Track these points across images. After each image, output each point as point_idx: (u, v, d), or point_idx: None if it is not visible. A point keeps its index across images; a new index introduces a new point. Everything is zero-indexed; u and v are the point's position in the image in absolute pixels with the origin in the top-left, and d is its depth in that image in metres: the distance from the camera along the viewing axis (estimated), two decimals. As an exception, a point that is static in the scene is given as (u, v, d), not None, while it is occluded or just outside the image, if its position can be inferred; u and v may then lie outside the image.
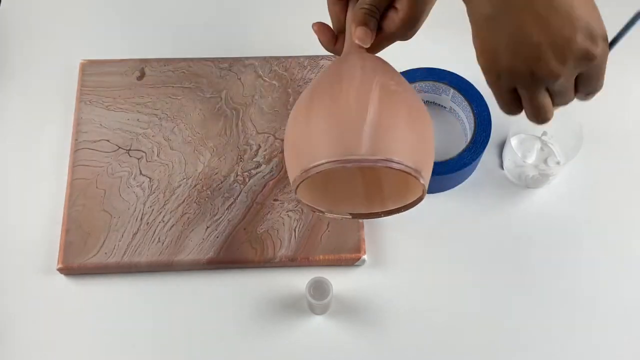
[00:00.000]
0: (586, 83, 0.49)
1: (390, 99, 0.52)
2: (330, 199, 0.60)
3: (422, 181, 0.52)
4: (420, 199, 0.55)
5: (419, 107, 0.54)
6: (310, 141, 0.51)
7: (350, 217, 0.60)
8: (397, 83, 0.53)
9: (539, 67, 0.46)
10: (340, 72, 0.54)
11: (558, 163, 0.74)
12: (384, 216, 0.59)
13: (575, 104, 0.70)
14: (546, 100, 0.49)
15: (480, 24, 0.48)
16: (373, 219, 0.67)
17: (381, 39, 0.57)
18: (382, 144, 0.50)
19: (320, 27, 0.58)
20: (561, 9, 0.44)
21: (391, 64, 0.57)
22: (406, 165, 0.50)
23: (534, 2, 0.45)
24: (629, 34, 0.49)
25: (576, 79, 0.49)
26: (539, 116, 0.51)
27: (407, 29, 0.56)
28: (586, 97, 0.52)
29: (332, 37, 0.59)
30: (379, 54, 0.57)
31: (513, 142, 0.76)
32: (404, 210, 0.57)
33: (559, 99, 0.50)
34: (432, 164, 0.54)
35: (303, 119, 0.53)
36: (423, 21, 0.57)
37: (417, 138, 0.52)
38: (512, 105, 0.51)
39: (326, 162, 0.50)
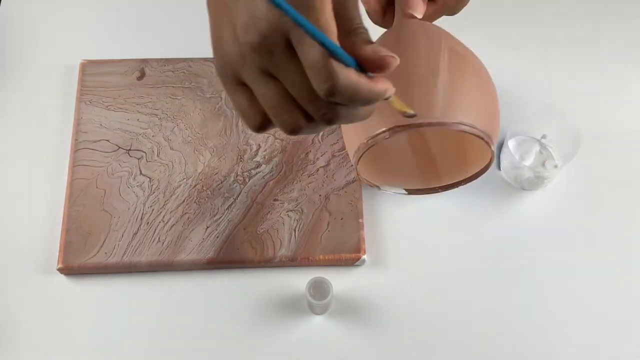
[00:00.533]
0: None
1: (459, 62, 0.51)
2: (383, 175, 0.59)
3: (492, 147, 0.51)
4: (488, 166, 0.54)
5: (485, 71, 0.53)
6: (379, 106, 0.50)
7: (406, 192, 0.59)
8: (463, 47, 0.52)
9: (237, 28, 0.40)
10: (400, 37, 0.52)
11: (556, 166, 0.74)
12: (441, 191, 0.58)
13: (574, 106, 0.70)
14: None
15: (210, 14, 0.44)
16: (429, 194, 0.63)
17: (431, 12, 0.56)
18: (455, 107, 0.49)
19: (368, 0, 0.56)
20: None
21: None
22: (478, 129, 0.49)
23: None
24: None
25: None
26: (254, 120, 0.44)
27: (457, 1, 0.55)
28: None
29: (381, 8, 0.57)
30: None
31: (511, 143, 0.76)
32: (468, 182, 0.55)
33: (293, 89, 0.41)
34: (498, 129, 0.53)
35: None
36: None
37: (487, 102, 0.51)
38: (239, 105, 0.45)
39: (397, 127, 0.48)
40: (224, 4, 0.41)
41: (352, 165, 0.73)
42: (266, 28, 0.38)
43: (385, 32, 0.56)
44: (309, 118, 0.41)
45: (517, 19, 0.84)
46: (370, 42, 0.41)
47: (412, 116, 0.48)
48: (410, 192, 0.58)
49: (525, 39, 0.83)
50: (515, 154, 0.74)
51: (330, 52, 0.37)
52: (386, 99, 0.43)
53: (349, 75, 0.38)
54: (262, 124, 0.42)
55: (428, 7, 0.55)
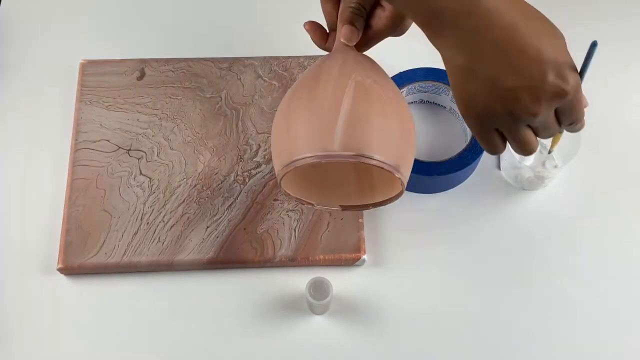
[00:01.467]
0: (565, 116, 0.51)
1: (366, 94, 0.52)
2: (321, 190, 0.61)
3: (397, 175, 0.53)
4: (399, 194, 0.56)
5: (397, 102, 0.54)
6: (289, 136, 0.53)
7: (340, 209, 0.61)
8: (374, 80, 0.54)
9: (515, 107, 0.49)
10: (321, 68, 0.55)
11: (556, 166, 0.74)
12: (372, 208, 0.60)
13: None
14: (528, 135, 0.52)
15: (456, 73, 0.50)
16: (363, 210, 0.67)
17: (370, 37, 0.58)
18: (355, 139, 0.51)
19: (311, 26, 0.60)
20: (531, 54, 0.47)
21: (391, 64, 0.57)
22: (380, 161, 0.51)
23: (505, 52, 0.47)
24: (591, 64, 0.52)
25: (557, 113, 0.51)
26: (524, 150, 0.54)
27: (394, 26, 0.58)
28: (571, 127, 0.54)
29: (324, 35, 0.60)
30: (369, 52, 0.58)
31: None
32: (385, 204, 0.58)
33: (543, 133, 0.53)
34: (412, 159, 0.55)
35: (283, 114, 0.54)
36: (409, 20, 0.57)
37: (394, 133, 0.53)
38: (494, 144, 0.54)
39: (302, 158, 0.51)
40: (516, 68, 0.48)
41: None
42: (574, 82, 0.49)
43: (320, 58, 0.58)
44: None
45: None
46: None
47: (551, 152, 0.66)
48: (344, 208, 0.61)
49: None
50: (515, 154, 0.74)
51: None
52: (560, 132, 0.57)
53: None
54: (499, 153, 0.55)
55: (366, 33, 0.58)
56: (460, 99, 0.51)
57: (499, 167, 0.76)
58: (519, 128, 0.51)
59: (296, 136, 0.52)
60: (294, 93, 0.55)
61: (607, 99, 0.80)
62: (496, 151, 0.54)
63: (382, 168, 0.52)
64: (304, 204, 0.61)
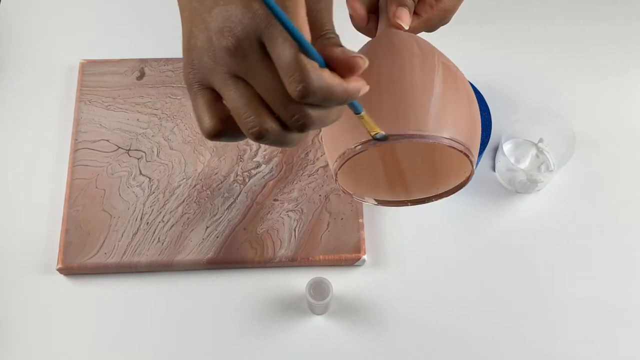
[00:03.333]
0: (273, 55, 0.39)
1: (451, 77, 0.51)
2: (357, 185, 0.59)
3: (474, 164, 0.51)
4: (466, 182, 0.54)
5: (471, 89, 0.53)
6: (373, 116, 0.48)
7: (376, 203, 0.59)
8: (452, 63, 0.53)
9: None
10: (395, 47, 0.52)
11: (550, 171, 0.74)
12: (411, 205, 0.58)
13: (569, 108, 0.70)
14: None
15: None
16: (399, 207, 0.63)
17: (414, 25, 0.55)
18: (447, 122, 0.49)
19: (355, 4, 0.55)
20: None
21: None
22: (465, 146, 0.49)
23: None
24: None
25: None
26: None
27: (442, 18, 0.55)
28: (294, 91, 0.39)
29: (365, 14, 0.56)
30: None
31: (508, 145, 0.76)
32: (443, 197, 0.56)
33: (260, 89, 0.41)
34: (479, 143, 0.53)
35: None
36: (455, 12, 0.55)
37: (473, 119, 0.51)
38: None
39: (399, 135, 0.48)
40: (196, 13, 0.41)
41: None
42: (241, 31, 0.38)
43: (370, 41, 0.56)
44: (279, 124, 0.40)
45: (513, 21, 0.84)
46: (339, 45, 0.40)
47: (383, 138, 0.48)
48: (380, 203, 0.59)
49: (521, 40, 0.83)
50: (511, 157, 0.74)
51: (303, 51, 0.37)
52: (358, 113, 0.44)
53: (322, 75, 0.37)
54: (218, 130, 0.41)
55: (412, 20, 0.55)
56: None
57: (493, 169, 0.76)
58: (225, 79, 0.41)
59: (383, 116, 0.48)
60: (372, 73, 0.49)
61: (602, 103, 0.80)
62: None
63: (466, 155, 0.50)
64: (346, 194, 0.57)
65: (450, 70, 0.52)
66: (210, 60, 0.40)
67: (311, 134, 0.41)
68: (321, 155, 0.74)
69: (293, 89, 0.37)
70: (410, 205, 0.58)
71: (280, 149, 0.74)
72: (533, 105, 0.78)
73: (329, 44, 0.40)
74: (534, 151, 0.75)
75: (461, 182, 0.55)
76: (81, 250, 0.69)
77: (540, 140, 0.75)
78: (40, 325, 0.69)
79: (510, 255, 0.72)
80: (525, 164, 0.75)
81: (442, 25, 0.56)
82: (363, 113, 0.44)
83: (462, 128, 0.50)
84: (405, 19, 0.54)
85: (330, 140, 0.54)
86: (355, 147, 0.50)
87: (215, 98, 0.41)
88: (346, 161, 0.51)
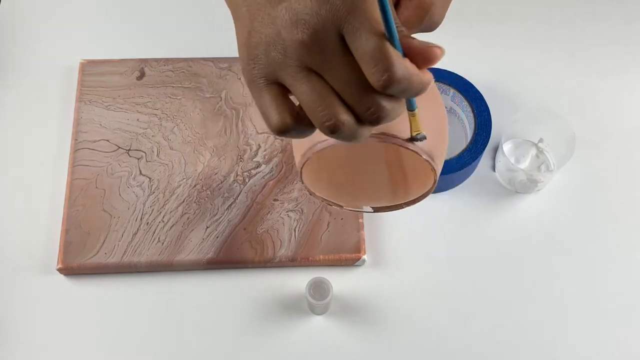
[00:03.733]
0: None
1: (442, 107, 0.51)
2: (350, 193, 0.58)
3: (433, 165, 0.49)
4: (431, 189, 0.53)
5: (433, 90, 0.53)
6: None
7: (372, 210, 0.58)
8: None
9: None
10: None
11: (550, 171, 0.74)
12: (405, 207, 0.57)
13: (569, 108, 0.70)
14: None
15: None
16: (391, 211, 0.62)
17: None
18: (391, 125, 0.47)
19: None
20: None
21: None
22: (421, 149, 0.48)
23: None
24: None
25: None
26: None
27: (421, 17, 0.55)
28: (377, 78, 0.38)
29: None
30: None
31: (508, 145, 0.76)
32: (418, 201, 0.55)
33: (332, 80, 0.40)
34: (445, 152, 0.52)
35: None
36: (441, 9, 0.55)
37: (431, 121, 0.49)
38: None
39: (324, 140, 0.46)
40: (258, 9, 0.40)
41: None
42: (318, 23, 0.38)
43: None
44: (354, 117, 0.39)
45: (513, 21, 0.84)
46: (412, 37, 0.39)
47: (422, 139, 0.47)
48: (377, 209, 0.58)
49: (521, 40, 0.83)
50: (511, 157, 0.74)
51: (389, 40, 0.36)
52: (412, 110, 0.43)
53: (405, 64, 0.37)
54: (288, 125, 0.40)
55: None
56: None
57: (493, 168, 0.76)
58: (297, 73, 0.40)
59: None
60: None
61: (602, 103, 0.80)
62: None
63: (418, 154, 0.48)
64: (331, 205, 0.57)
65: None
66: (280, 55, 0.39)
67: (371, 130, 0.41)
68: (321, 155, 0.74)
69: (378, 78, 0.36)
70: (405, 207, 0.57)
71: (280, 149, 0.74)
72: (533, 105, 0.78)
73: (401, 36, 0.38)
74: (534, 151, 0.75)
75: (425, 193, 0.54)
76: (81, 250, 0.69)
77: (540, 140, 0.75)
78: (40, 325, 0.69)
79: (511, 255, 0.72)
80: (525, 164, 0.75)
81: (430, 25, 0.56)
82: (416, 110, 0.43)
83: (429, 135, 0.48)
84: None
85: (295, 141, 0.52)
86: (315, 146, 0.48)
87: (283, 93, 0.41)
88: (307, 160, 0.49)
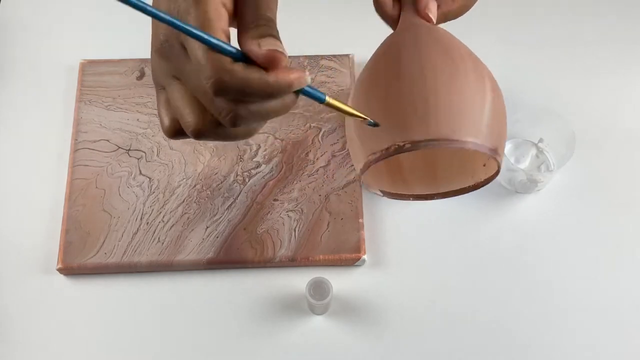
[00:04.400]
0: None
1: (498, 91, 0.51)
2: (385, 179, 0.59)
3: (500, 163, 0.51)
4: (492, 178, 0.54)
5: (495, 83, 0.53)
6: (431, 110, 0.47)
7: (412, 199, 0.58)
8: (478, 60, 0.52)
9: None
10: (421, 44, 0.50)
11: (550, 171, 0.74)
12: (439, 198, 0.57)
13: (569, 108, 0.69)
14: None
15: None
16: (428, 200, 0.62)
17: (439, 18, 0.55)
18: (495, 132, 0.49)
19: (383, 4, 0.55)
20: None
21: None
22: (496, 152, 0.49)
23: None
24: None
25: None
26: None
27: (459, 13, 0.55)
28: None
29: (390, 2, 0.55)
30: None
31: (508, 145, 0.75)
32: (470, 191, 0.56)
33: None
34: (504, 137, 0.53)
35: (408, 88, 0.48)
36: (471, 8, 0.55)
37: (497, 116, 0.51)
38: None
39: (456, 140, 0.47)
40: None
41: (351, 165, 0.73)
42: (162, 33, 0.40)
43: (393, 34, 0.53)
44: (214, 121, 0.40)
45: (512, 21, 0.84)
46: (271, 35, 0.40)
47: (374, 124, 0.47)
48: (415, 197, 0.58)
49: (521, 40, 0.83)
50: (511, 157, 0.74)
51: (212, 48, 0.37)
52: (322, 102, 0.43)
53: (232, 69, 0.37)
54: (173, 129, 0.42)
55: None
56: None
57: None
58: (166, 79, 0.43)
59: (400, 117, 0.47)
60: (424, 68, 0.48)
61: (602, 103, 0.80)
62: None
63: (494, 158, 0.49)
64: (396, 198, 0.57)
65: (495, 84, 0.50)
66: (155, 63, 0.42)
67: (254, 127, 0.41)
68: (321, 155, 0.74)
69: (205, 85, 0.37)
70: (438, 198, 0.57)
71: (280, 149, 0.74)
72: (533, 105, 0.78)
73: (252, 35, 0.39)
74: (534, 151, 0.75)
75: (487, 178, 0.54)
76: (81, 250, 0.69)
77: (540, 140, 0.75)
78: (40, 325, 0.69)
79: (510, 255, 0.72)
80: (525, 164, 0.75)
81: (459, 14, 0.56)
82: (328, 100, 0.43)
83: (503, 137, 0.50)
84: (434, 11, 0.53)
85: (352, 152, 0.53)
86: (369, 158, 0.49)
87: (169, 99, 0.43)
88: (366, 169, 0.50)
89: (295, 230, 0.71)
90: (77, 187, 0.72)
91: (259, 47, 0.38)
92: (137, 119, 0.76)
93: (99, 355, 0.68)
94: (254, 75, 0.38)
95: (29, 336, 0.68)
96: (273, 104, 0.40)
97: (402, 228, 0.73)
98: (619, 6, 0.85)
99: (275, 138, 0.75)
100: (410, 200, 0.57)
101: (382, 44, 0.54)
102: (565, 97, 0.79)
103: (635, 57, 0.82)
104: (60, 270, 0.69)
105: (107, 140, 0.75)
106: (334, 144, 0.74)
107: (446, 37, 0.51)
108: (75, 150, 0.74)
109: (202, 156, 0.74)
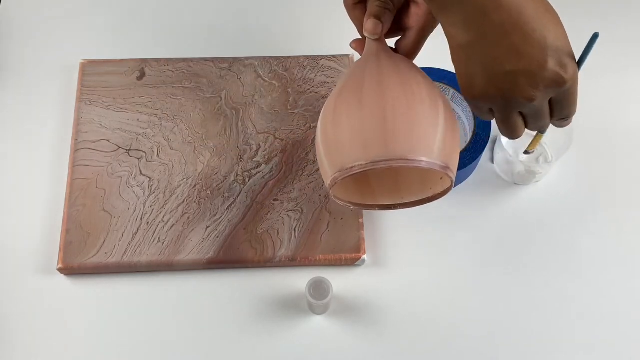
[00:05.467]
0: (560, 107, 0.51)
1: (450, 112, 0.55)
2: (367, 194, 0.63)
3: (453, 178, 0.55)
4: (446, 192, 0.58)
5: (444, 100, 0.56)
6: (384, 134, 0.52)
7: (377, 209, 0.62)
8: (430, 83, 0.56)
9: (511, 93, 0.49)
10: (406, 79, 0.54)
11: (548, 162, 0.74)
12: (400, 208, 0.62)
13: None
14: (518, 121, 0.53)
15: (458, 52, 0.50)
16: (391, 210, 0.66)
17: (415, 38, 0.58)
18: (447, 151, 0.53)
19: (357, 44, 0.60)
20: (534, 38, 0.47)
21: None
22: (447, 168, 0.54)
23: (509, 33, 0.46)
24: (590, 55, 0.52)
25: (551, 104, 0.51)
26: (509, 134, 0.55)
27: (435, 21, 0.57)
28: (561, 122, 0.54)
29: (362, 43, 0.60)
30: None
31: (505, 138, 0.75)
32: (428, 202, 0.60)
33: (533, 123, 0.53)
34: (458, 155, 0.57)
35: (351, 117, 0.53)
36: None
37: (449, 135, 0.54)
38: (490, 118, 0.54)
39: (406, 159, 0.52)
40: (518, 52, 0.48)
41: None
42: (568, 82, 0.49)
43: (363, 60, 0.57)
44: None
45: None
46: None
47: (528, 153, 0.67)
48: (380, 207, 0.63)
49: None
50: (510, 149, 0.74)
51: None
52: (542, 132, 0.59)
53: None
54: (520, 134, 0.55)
55: (409, 35, 0.58)
56: (460, 77, 0.51)
57: (492, 161, 0.76)
58: (511, 113, 0.52)
59: (388, 138, 0.52)
60: (385, 91, 0.53)
61: (601, 95, 0.80)
62: (510, 134, 0.55)
63: (448, 174, 0.54)
64: (344, 205, 0.61)
65: (432, 97, 0.54)
66: (529, 84, 0.48)
67: None
68: (321, 155, 0.74)
69: (562, 123, 0.54)
70: (402, 208, 0.61)
71: (280, 149, 0.74)
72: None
73: None
74: None
75: (441, 192, 0.59)
76: (81, 250, 0.69)
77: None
78: (40, 325, 0.69)
79: (510, 251, 0.72)
80: (523, 156, 0.75)
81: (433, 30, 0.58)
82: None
83: (455, 157, 0.54)
84: (372, 30, 0.56)
85: (320, 166, 0.57)
86: (335, 175, 0.54)
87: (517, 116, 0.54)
88: (334, 185, 0.55)
89: (295, 230, 0.71)
90: (78, 187, 0.72)
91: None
92: (137, 119, 0.76)
93: (99, 355, 0.68)
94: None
95: (29, 336, 0.68)
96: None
97: (402, 228, 0.73)
98: (617, 5, 0.85)
99: (275, 138, 0.75)
100: (375, 210, 0.62)
101: (350, 67, 0.58)
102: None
103: (634, 52, 0.82)
104: (60, 270, 0.69)
105: (108, 140, 0.75)
106: (334, 144, 0.75)
107: (405, 67, 0.55)
108: (75, 150, 0.74)
109: (202, 156, 0.74)
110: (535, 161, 0.75)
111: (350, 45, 0.60)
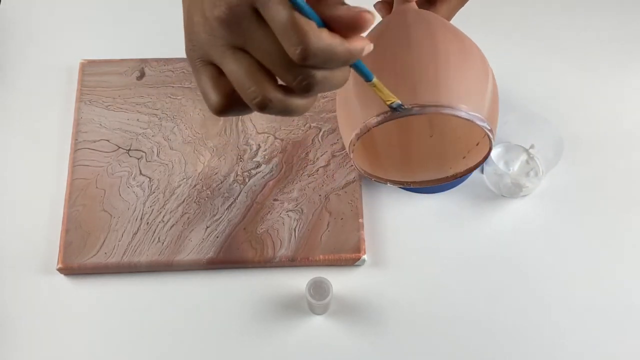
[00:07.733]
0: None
1: (495, 82, 0.52)
2: (398, 169, 0.60)
3: (493, 137, 0.51)
4: (486, 157, 0.55)
5: (487, 65, 0.54)
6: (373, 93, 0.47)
7: (388, 183, 0.60)
8: (462, 33, 0.54)
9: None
10: (401, 23, 0.51)
11: (536, 175, 0.74)
12: (461, 176, 0.58)
13: (557, 113, 0.69)
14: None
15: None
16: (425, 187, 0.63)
17: (453, 2, 0.56)
18: (493, 115, 0.50)
19: (383, 6, 0.56)
20: None
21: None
22: (481, 117, 0.49)
23: None
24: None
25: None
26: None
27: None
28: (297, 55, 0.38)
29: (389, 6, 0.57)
30: None
31: (498, 149, 0.75)
32: (449, 182, 0.56)
33: (260, 55, 0.40)
34: (497, 114, 0.54)
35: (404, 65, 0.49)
36: None
37: (492, 94, 0.52)
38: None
39: (415, 106, 0.47)
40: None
41: (352, 165, 0.73)
42: (232, 0, 0.38)
43: (383, 19, 0.55)
44: (282, 91, 0.39)
45: (504, 23, 0.84)
46: (343, 3, 0.38)
47: (398, 107, 0.46)
48: (391, 182, 0.59)
49: (512, 41, 0.83)
50: (500, 160, 0.73)
51: (299, 11, 0.36)
52: (369, 81, 0.43)
53: (321, 35, 0.36)
54: (224, 105, 0.41)
55: (441, 4, 0.55)
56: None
57: (482, 171, 0.75)
58: (224, 51, 0.40)
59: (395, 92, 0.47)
60: (438, 45, 0.49)
61: (591, 109, 0.79)
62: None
63: (485, 128, 0.49)
64: (375, 181, 0.57)
65: (483, 59, 0.51)
66: (207, 35, 0.40)
67: (312, 100, 0.41)
68: (321, 155, 0.74)
69: (292, 52, 0.36)
70: (418, 186, 0.58)
71: (280, 149, 0.74)
72: (523, 108, 0.78)
73: (330, 2, 0.38)
74: (524, 157, 0.75)
75: (482, 159, 0.54)
76: (81, 250, 0.69)
77: (532, 147, 0.74)
78: (40, 325, 0.69)
79: (509, 255, 0.72)
80: (514, 168, 0.74)
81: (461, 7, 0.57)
82: (375, 80, 0.43)
83: (481, 102, 0.49)
84: None
85: (345, 116, 0.52)
86: (370, 120, 0.48)
87: (219, 73, 0.41)
88: (363, 135, 0.49)
89: (295, 230, 0.71)
90: (77, 187, 0.72)
91: (347, 10, 0.37)
92: (137, 119, 0.76)
93: (99, 355, 0.68)
94: (337, 41, 0.37)
95: (29, 336, 0.68)
96: (340, 72, 0.40)
97: (402, 228, 0.73)
98: (612, 9, 0.85)
99: (275, 138, 0.75)
100: (387, 184, 0.58)
101: (380, 23, 0.54)
102: (554, 101, 0.79)
103: (624, 62, 0.82)
104: (60, 270, 0.69)
105: (107, 140, 0.75)
106: (334, 144, 0.74)
107: (451, 25, 0.52)
108: (75, 150, 0.74)
109: (202, 156, 0.74)
110: (526, 175, 0.74)
111: (374, 6, 0.56)
